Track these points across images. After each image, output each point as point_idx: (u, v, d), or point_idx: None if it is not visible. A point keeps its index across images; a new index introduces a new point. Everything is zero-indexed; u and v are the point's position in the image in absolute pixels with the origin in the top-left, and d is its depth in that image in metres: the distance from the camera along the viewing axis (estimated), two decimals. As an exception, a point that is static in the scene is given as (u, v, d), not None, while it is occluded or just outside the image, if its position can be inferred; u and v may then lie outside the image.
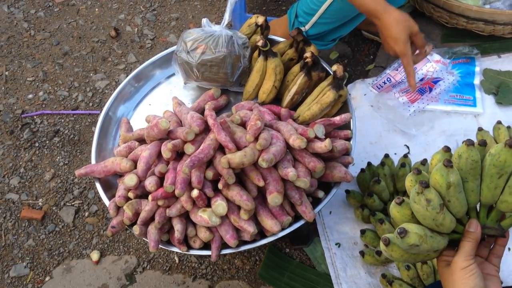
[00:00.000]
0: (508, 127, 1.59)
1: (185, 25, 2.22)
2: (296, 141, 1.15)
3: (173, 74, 1.58)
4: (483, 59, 1.87)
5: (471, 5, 1.84)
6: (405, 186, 0.89)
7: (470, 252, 0.83)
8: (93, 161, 1.37)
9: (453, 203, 0.83)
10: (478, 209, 0.89)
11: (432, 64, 1.80)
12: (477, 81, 1.82)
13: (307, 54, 1.33)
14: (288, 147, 1.21)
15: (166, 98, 1.54)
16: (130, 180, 1.19)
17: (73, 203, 1.74)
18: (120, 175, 1.32)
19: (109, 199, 1.28)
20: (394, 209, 0.88)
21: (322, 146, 1.17)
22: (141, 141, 1.35)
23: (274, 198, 1.13)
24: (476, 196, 0.86)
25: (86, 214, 1.72)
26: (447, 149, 0.88)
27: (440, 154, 0.89)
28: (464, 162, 0.82)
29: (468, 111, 1.75)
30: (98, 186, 1.31)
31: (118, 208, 1.23)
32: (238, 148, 1.17)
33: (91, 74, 2.09)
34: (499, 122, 1.59)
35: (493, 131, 1.60)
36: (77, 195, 1.76)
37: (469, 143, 0.81)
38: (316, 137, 1.21)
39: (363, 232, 1.48)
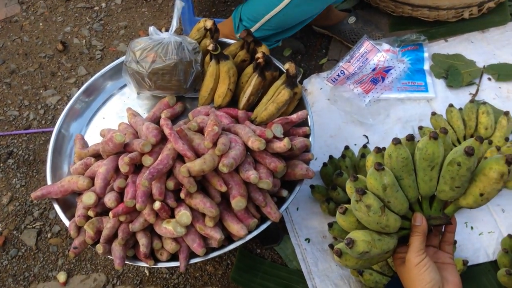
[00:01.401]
0: (460, 109, 1.63)
1: (134, 33, 2.17)
2: (255, 143, 1.15)
3: (125, 85, 1.55)
4: (430, 44, 1.92)
5: (414, -8, 1.88)
6: (347, 192, 0.90)
7: (420, 247, 0.84)
8: (48, 181, 1.33)
9: (393, 202, 0.84)
10: (420, 202, 0.90)
11: (382, 54, 1.83)
12: (427, 66, 1.86)
13: (259, 55, 1.33)
14: (248, 150, 1.20)
15: (120, 110, 1.50)
16: (88, 198, 1.16)
17: (34, 225, 1.68)
18: (78, 193, 1.28)
19: (69, 219, 1.24)
20: (339, 219, 0.89)
21: (281, 145, 1.17)
22: (97, 156, 1.31)
23: (238, 202, 1.12)
24: (414, 191, 0.87)
25: (49, 235, 1.66)
26: (378, 150, 0.89)
27: (373, 156, 0.90)
28: (395, 161, 0.84)
29: (421, 97, 1.79)
30: (56, 207, 1.27)
31: (79, 228, 1.20)
32: (197, 155, 1.15)
33: (41, 91, 2.02)
34: (451, 105, 1.63)
35: (446, 114, 1.64)
36: (37, 217, 1.70)
37: (395, 141, 0.83)
38: (275, 137, 1.21)
39: (330, 225, 1.49)
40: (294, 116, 1.30)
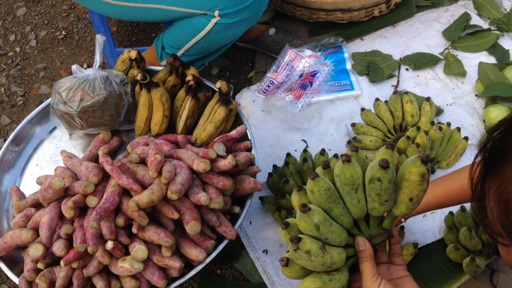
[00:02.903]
0: (386, 101, 1.72)
1: (55, 73, 2.11)
2: (200, 165, 1.15)
3: (55, 128, 1.50)
4: (348, 44, 2.02)
5: (326, -2, 1.97)
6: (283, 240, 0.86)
7: (373, 271, 0.81)
8: (-12, 241, 1.25)
9: (331, 237, 0.82)
10: (358, 225, 0.88)
11: (306, 60, 1.90)
12: (349, 66, 1.95)
13: (189, 77, 1.34)
14: (194, 173, 1.20)
15: (53, 154, 1.45)
16: (35, 250, 1.10)
17: (-24, 291, 1.57)
18: (23, 247, 1.22)
19: (18, 275, 1.17)
20: (285, 271, 0.85)
21: (226, 163, 1.18)
22: (38, 206, 1.25)
23: (192, 226, 1.12)
24: (348, 217, 0.85)
25: (-5, 298, 1.56)
26: (299, 189, 0.86)
27: (297, 196, 0.87)
28: (319, 195, 0.82)
29: (349, 95, 1.87)
30: (2, 266, 1.20)
31: (30, 283, 1.14)
32: (144, 187, 1.14)
33: (-38, 148, 1.90)
34: (377, 99, 1.72)
35: (374, 108, 1.73)
36: (-22, 282, 1.59)
37: (312, 176, 0.80)
38: (219, 156, 1.22)
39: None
40: (233, 133, 1.32)
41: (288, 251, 0.84)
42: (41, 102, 1.97)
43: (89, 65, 1.41)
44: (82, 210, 1.16)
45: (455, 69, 1.86)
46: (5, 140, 1.85)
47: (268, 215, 1.64)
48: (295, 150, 1.76)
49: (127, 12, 1.56)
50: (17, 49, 2.19)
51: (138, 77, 1.33)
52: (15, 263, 1.23)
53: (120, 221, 1.11)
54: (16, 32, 2.25)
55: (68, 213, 1.11)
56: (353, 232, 0.86)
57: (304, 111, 1.83)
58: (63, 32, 2.23)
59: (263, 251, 1.57)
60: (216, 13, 1.47)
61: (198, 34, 1.55)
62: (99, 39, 1.37)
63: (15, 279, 1.18)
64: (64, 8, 2.32)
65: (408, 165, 0.80)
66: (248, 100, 1.91)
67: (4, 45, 2.21)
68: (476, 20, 2.01)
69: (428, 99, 1.67)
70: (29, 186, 1.39)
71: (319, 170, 0.84)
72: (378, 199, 0.81)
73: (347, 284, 0.84)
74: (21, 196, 1.33)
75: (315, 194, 0.81)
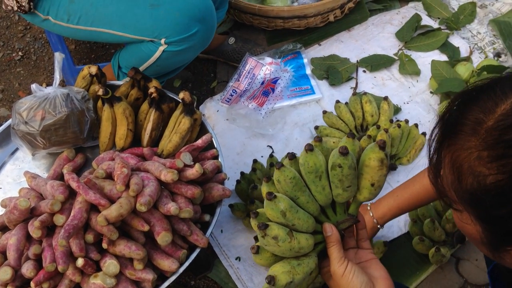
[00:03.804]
0: (346, 103, 1.77)
1: (13, 95, 2.07)
2: (168, 175, 1.16)
3: (17, 149, 1.47)
4: (307, 50, 2.07)
5: (282, 6, 2.01)
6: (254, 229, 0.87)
7: (339, 255, 0.83)
8: (-47, 269, 1.21)
9: (298, 224, 0.84)
10: (325, 211, 0.90)
11: (267, 67, 1.93)
12: (308, 71, 1.99)
13: (152, 90, 1.34)
14: (162, 183, 1.20)
15: (16, 176, 1.42)
16: (4, 274, 1.08)
17: None
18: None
19: (-14, 303, 1.14)
20: (256, 259, 0.87)
21: (194, 172, 1.19)
22: (3, 229, 1.23)
23: (163, 237, 1.12)
24: (314, 204, 0.87)
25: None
26: (267, 180, 0.89)
27: (265, 186, 0.89)
28: (285, 184, 0.84)
29: (310, 99, 1.91)
30: (-33, 294, 1.16)
31: (1, 308, 1.11)
32: (112, 201, 1.13)
33: None
34: (337, 101, 1.77)
35: (335, 110, 1.77)
36: None
37: (278, 166, 0.83)
38: (186, 165, 1.22)
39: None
40: (199, 142, 1.33)
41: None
42: (0, 125, 1.93)
43: (48, 85, 1.40)
44: (49, 229, 1.14)
45: (409, 69, 1.94)
46: (-36, 166, 1.80)
47: (239, 223, 1.65)
48: (262, 156, 1.78)
49: (79, 34, 1.56)
50: (-28, 73, 2.14)
51: (100, 92, 1.33)
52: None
53: (90, 237, 1.10)
54: (-29, 55, 2.20)
55: (35, 233, 1.09)
56: (320, 219, 0.89)
57: (268, 117, 1.86)
58: (20, 53, 2.20)
59: (236, 258, 1.58)
60: (163, 40, 1.47)
61: (148, 59, 1.55)
62: (58, 57, 1.36)
63: (-16, 306, 1.14)
64: (19, 28, 2.28)
65: (367, 151, 0.84)
66: (212, 110, 1.93)
67: (-42, 69, 2.15)
68: (426, 20, 2.10)
69: (385, 98, 1.73)
70: (-7, 210, 1.36)
71: (285, 161, 0.86)
72: (341, 185, 0.84)
73: (316, 269, 0.87)
74: (-15, 220, 1.30)
75: (281, 183, 0.84)
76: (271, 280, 0.80)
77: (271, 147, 1.81)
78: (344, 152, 0.80)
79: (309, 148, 0.82)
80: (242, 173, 1.66)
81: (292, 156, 0.86)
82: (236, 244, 1.61)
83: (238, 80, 1.92)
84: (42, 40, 2.24)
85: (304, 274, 0.83)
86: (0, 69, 2.15)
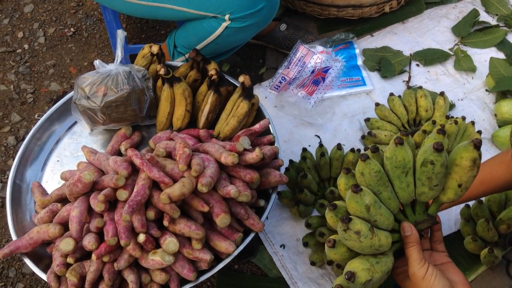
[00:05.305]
0: (399, 96, 1.74)
1: (65, 70, 2.10)
2: (229, 158, 1.16)
3: (74, 124, 1.49)
4: (359, 41, 2.03)
5: (337, -5, 1.99)
6: (328, 223, 0.85)
7: (420, 256, 0.81)
8: (13, 237, 1.24)
9: (380, 220, 0.81)
10: (403, 210, 0.88)
11: (318, 56, 1.91)
12: (360, 62, 1.96)
13: (212, 72, 1.34)
14: (220, 166, 1.20)
15: (74, 150, 1.45)
16: (66, 245, 1.10)
17: (-7, 289, 1.56)
18: (47, 243, 1.22)
19: (43, 271, 1.17)
20: (330, 253, 0.84)
21: (254, 156, 1.18)
22: (62, 201, 1.25)
23: (222, 219, 1.12)
24: (395, 201, 0.84)
25: (12, 295, 1.55)
26: (347, 171, 0.86)
27: (344, 178, 0.86)
28: (369, 177, 0.81)
29: (361, 91, 1.88)
30: (28, 261, 1.19)
31: (59, 278, 1.14)
32: (173, 180, 1.14)
33: (-27, 145, 1.88)
34: (391, 94, 1.74)
35: (388, 103, 1.74)
36: (-5, 279, 1.58)
37: (364, 158, 0.80)
38: (245, 149, 1.22)
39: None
40: (257, 126, 1.32)
41: (316, 237, 0.83)
42: (52, 99, 1.97)
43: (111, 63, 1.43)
44: (111, 204, 1.16)
45: (465, 65, 1.89)
46: (16, 138, 1.84)
47: (285, 210, 1.65)
48: (309, 146, 1.77)
49: (139, 10, 1.56)
50: (26, 46, 2.18)
51: (161, 71, 1.33)
52: (38, 259, 1.22)
53: (151, 214, 1.11)
54: (24, 29, 2.23)
55: (99, 206, 1.11)
56: (398, 217, 0.86)
57: (317, 106, 1.84)
58: (72, 29, 2.23)
59: (280, 246, 1.58)
60: (227, 16, 1.47)
61: (209, 37, 1.55)
62: (120, 34, 1.37)
63: (42, 275, 1.17)
64: (72, 5, 2.31)
65: (459, 149, 0.79)
66: (261, 96, 1.92)
67: (12, 42, 2.19)
68: (484, 16, 2.04)
69: (442, 93, 1.69)
70: (50, 182, 1.39)
71: (368, 153, 0.83)
72: (428, 183, 0.80)
73: (391, 269, 0.84)
74: (43, 191, 1.33)
75: (365, 176, 0.81)
76: (351, 276, 0.77)
77: (318, 136, 1.80)
78: (439, 148, 0.77)
79: (399, 142, 0.79)
80: (291, 161, 1.66)
81: (375, 149, 0.83)
82: (281, 231, 1.61)
83: (288, 68, 1.90)
84: (94, 17, 2.26)
85: (382, 273, 0.80)
86: (52, 44, 2.19)
